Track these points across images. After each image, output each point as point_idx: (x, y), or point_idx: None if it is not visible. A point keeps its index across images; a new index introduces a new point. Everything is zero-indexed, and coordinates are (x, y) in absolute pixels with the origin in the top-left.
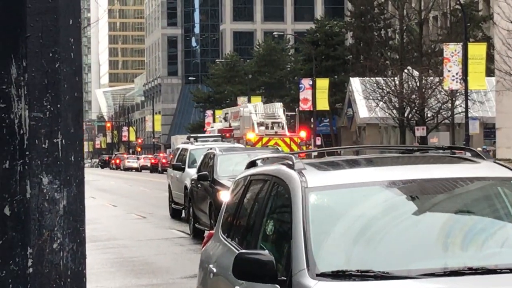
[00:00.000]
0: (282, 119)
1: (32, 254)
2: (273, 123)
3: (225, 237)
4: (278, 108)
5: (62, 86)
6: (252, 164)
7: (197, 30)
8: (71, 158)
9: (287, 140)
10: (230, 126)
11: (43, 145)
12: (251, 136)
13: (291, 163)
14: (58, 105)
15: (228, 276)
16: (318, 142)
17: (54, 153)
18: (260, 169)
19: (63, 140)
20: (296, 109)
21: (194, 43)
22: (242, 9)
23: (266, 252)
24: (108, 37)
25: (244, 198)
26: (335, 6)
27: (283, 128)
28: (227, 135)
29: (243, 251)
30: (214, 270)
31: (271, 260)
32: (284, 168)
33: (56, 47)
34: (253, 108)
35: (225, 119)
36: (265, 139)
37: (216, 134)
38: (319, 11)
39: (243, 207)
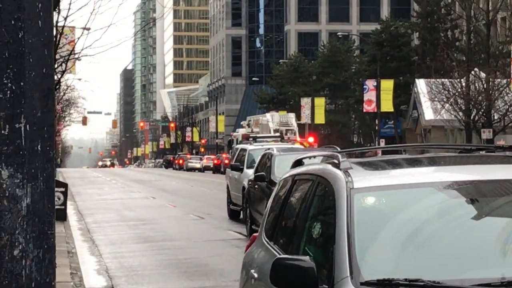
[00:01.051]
0: (294, 126)
1: None
2: (286, 130)
3: (267, 241)
4: (291, 117)
5: (27, 60)
6: (298, 163)
7: (261, 30)
8: (37, 148)
9: (297, 144)
10: (252, 131)
11: (2, 131)
12: None
13: (336, 162)
14: (22, 83)
15: (269, 283)
16: (382, 145)
17: (15, 141)
18: (305, 168)
19: (28, 126)
20: (307, 119)
21: (258, 44)
22: (307, 9)
23: (307, 258)
24: (173, 38)
25: (287, 199)
26: (401, 6)
27: (294, 134)
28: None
29: (282, 256)
30: (255, 275)
31: (311, 267)
32: (329, 167)
33: (19, 13)
34: (270, 117)
35: (248, 125)
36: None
37: (275, 134)
38: (384, 11)
39: (286, 209)
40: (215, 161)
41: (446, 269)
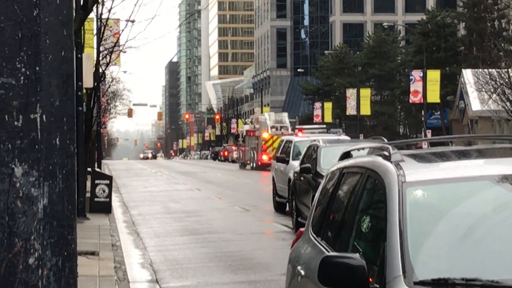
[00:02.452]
0: (287, 123)
1: (0, 272)
2: (281, 126)
3: (314, 236)
4: (284, 116)
5: (43, 41)
6: (346, 155)
7: (306, 22)
8: (55, 141)
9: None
10: (254, 128)
11: (15, 123)
12: (266, 135)
13: (387, 154)
14: (37, 68)
15: (317, 281)
16: (428, 136)
17: (30, 134)
18: (353, 161)
19: (44, 116)
20: (297, 116)
21: (303, 35)
22: (352, 0)
23: (357, 255)
24: (218, 30)
25: (335, 193)
26: None
27: (287, 130)
28: (251, 133)
29: (330, 254)
30: (302, 272)
31: (361, 265)
32: (379, 159)
33: None
34: (268, 116)
35: (251, 122)
36: (275, 137)
37: (322, 126)
38: (430, 1)
39: (334, 203)
40: None
41: (505, 267)
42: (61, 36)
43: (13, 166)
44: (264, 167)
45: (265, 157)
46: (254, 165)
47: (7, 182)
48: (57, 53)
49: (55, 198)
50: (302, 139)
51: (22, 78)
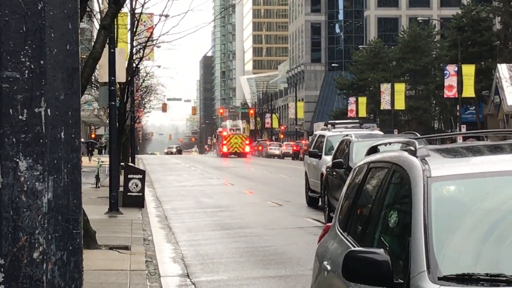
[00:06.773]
0: (240, 127)
1: (4, 266)
2: (236, 129)
3: (341, 231)
4: (239, 122)
5: (48, 35)
6: (373, 150)
7: (341, 16)
8: (60, 135)
9: (240, 136)
10: (222, 129)
11: (20, 117)
12: (225, 133)
13: (413, 149)
14: (42, 62)
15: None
16: (463, 131)
17: (35, 128)
18: (379, 155)
19: (49, 110)
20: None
21: (337, 30)
22: None
23: (381, 250)
24: (252, 24)
25: (362, 188)
26: None
27: (239, 131)
28: (220, 133)
29: (354, 249)
30: (328, 267)
31: (386, 260)
32: (405, 154)
33: None
34: (228, 122)
35: (222, 126)
36: (231, 136)
37: (355, 121)
38: None
39: (360, 198)
40: (295, 148)
41: None
42: (66, 30)
43: (17, 160)
44: (225, 155)
45: (225, 149)
46: (221, 154)
47: (11, 176)
48: (62, 46)
49: (60, 192)
50: (335, 134)
51: (26, 71)
